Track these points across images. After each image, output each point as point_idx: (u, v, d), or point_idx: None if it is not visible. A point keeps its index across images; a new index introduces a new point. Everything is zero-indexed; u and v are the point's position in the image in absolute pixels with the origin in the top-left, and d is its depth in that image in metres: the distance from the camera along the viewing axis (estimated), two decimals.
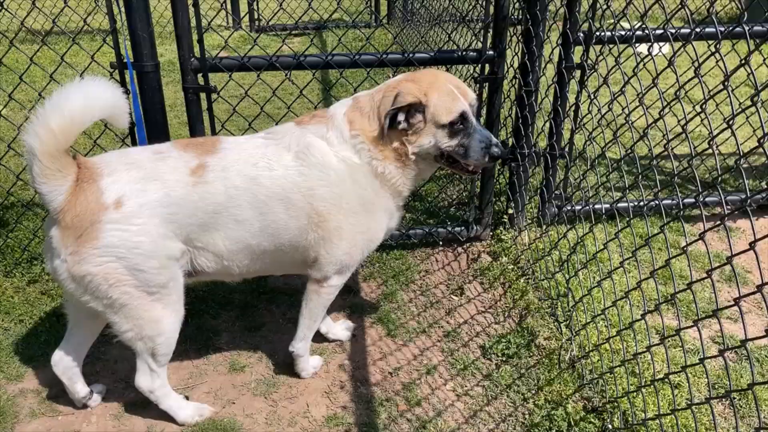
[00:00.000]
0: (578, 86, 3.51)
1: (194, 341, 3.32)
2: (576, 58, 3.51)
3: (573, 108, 3.58)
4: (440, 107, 2.55)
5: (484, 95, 3.67)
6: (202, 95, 3.43)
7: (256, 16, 9.46)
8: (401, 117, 2.55)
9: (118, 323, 2.48)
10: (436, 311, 3.55)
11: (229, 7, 9.35)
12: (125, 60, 3.23)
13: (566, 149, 3.72)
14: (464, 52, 3.48)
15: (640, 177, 2.53)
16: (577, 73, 3.57)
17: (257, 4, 9.36)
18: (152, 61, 3.26)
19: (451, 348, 3.26)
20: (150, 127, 3.35)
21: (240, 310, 3.58)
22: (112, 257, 2.33)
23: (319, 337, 3.30)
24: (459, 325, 3.43)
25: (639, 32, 3.13)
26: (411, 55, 3.42)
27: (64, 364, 2.74)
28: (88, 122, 2.28)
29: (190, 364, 3.20)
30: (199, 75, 3.38)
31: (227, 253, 2.58)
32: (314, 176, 2.55)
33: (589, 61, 3.40)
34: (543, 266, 3.55)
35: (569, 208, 3.73)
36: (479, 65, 3.53)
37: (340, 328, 3.33)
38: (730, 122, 1.90)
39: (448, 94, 2.57)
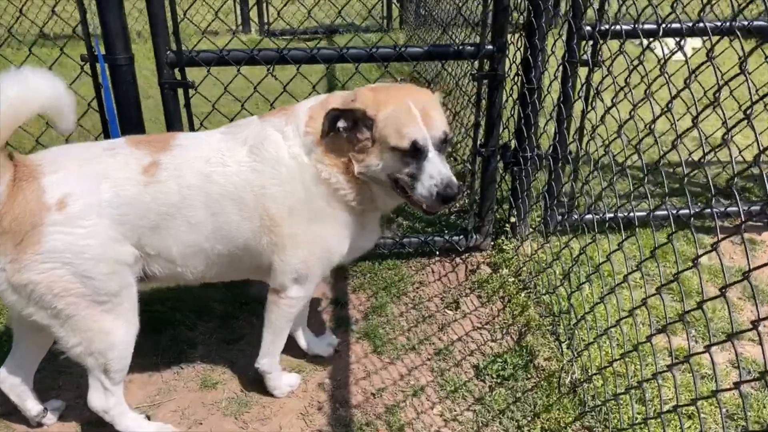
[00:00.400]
0: (585, 84, 3.23)
1: (167, 354, 3.09)
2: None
3: (580, 108, 3.30)
4: (390, 127, 2.23)
5: (484, 94, 3.40)
6: (180, 91, 3.21)
7: (266, 20, 9.30)
8: (341, 123, 2.27)
9: (65, 337, 2.25)
10: (429, 326, 3.27)
11: (238, 10, 9.22)
12: (96, 53, 3.03)
13: (571, 152, 3.44)
14: (461, 47, 3.22)
15: (645, 180, 2.24)
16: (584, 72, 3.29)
17: (267, 7, 9.20)
18: (125, 54, 3.05)
19: (441, 367, 2.98)
20: (124, 123, 3.14)
21: (219, 321, 3.34)
22: (56, 263, 2.11)
23: (298, 352, 3.05)
24: (452, 342, 3.16)
25: (650, 25, 2.85)
26: (403, 49, 3.17)
27: (11, 381, 2.51)
28: (24, 116, 2.06)
29: (160, 378, 2.96)
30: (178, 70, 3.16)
31: (180, 258, 2.36)
32: (266, 173, 2.32)
33: (599, 58, 3.12)
34: (545, 279, 3.26)
35: (574, 216, 3.44)
36: (477, 61, 3.27)
37: (321, 343, 3.08)
38: (748, 111, 1.62)
39: (406, 114, 2.23)
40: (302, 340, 3.04)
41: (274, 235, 2.37)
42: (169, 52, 3.11)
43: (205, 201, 2.29)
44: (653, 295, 2.22)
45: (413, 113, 2.24)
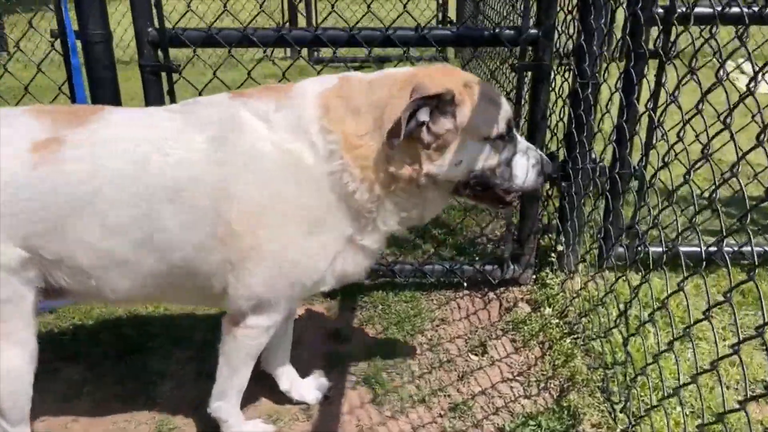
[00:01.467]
0: (655, 81, 2.57)
1: (130, 386, 2.55)
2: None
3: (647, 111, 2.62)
4: (482, 111, 1.78)
5: (525, 89, 2.80)
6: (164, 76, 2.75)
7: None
8: (423, 116, 1.70)
9: None
10: (446, 374, 2.61)
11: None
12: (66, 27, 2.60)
13: (639, 167, 2.76)
14: (497, 29, 2.63)
15: (748, 219, 1.57)
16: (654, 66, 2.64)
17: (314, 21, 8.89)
18: (101, 30, 2.62)
19: (456, 428, 2.31)
20: None
21: (197, 349, 2.78)
22: None
23: (278, 396, 2.44)
24: (473, 395, 2.48)
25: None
26: (426, 31, 2.61)
27: None
28: None
29: (109, 420, 2.40)
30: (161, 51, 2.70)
31: (93, 270, 1.79)
32: (233, 168, 1.75)
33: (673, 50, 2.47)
34: (596, 321, 2.56)
35: (641, 248, 2.72)
36: (518, 48, 2.67)
37: (308, 387, 2.46)
38: None
39: (492, 96, 1.84)
40: (284, 381, 2.43)
41: (229, 249, 1.79)
42: (150, 29, 2.65)
43: (131, 198, 1.72)
44: (747, 340, 1.52)
45: (497, 96, 1.87)
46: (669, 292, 1.91)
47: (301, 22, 8.97)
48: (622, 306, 2.35)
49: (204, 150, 1.76)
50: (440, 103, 1.72)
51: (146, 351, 2.75)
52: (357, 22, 2.72)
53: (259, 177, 1.75)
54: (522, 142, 1.94)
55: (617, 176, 2.58)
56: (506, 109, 1.85)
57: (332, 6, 2.75)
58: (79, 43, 2.65)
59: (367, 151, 1.76)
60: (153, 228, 1.75)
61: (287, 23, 8.66)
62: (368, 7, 2.75)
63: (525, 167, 1.90)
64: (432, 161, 1.77)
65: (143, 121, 1.82)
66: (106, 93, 2.69)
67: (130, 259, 1.78)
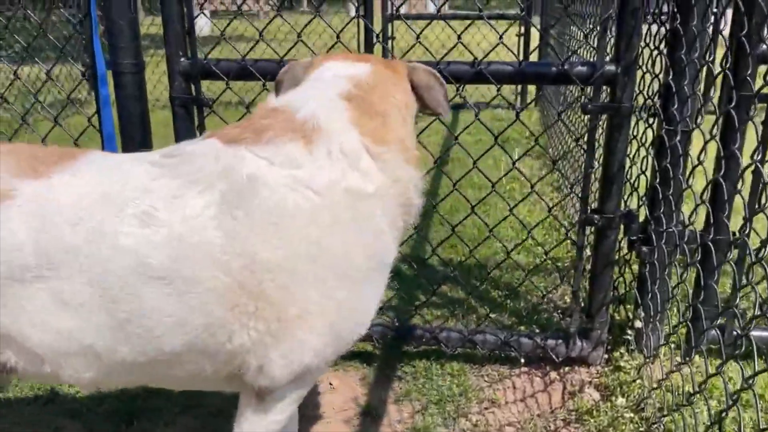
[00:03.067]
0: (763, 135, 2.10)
1: None
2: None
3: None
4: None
5: (599, 134, 2.38)
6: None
7: None
8: None
9: None
10: None
11: None
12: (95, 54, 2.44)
13: (741, 234, 2.26)
14: (566, 66, 2.25)
15: None
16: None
17: None
18: (132, 60, 2.44)
19: None
20: (126, 146, 2.50)
21: (205, 418, 2.46)
22: None
23: None
24: None
25: None
26: (484, 66, 2.26)
27: None
28: None
29: None
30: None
31: (47, 353, 1.44)
32: (257, 231, 1.42)
33: None
34: (681, 421, 2.05)
35: (743, 332, 2.19)
36: (591, 86, 2.27)
37: None
38: None
39: None
40: None
41: (264, 322, 1.44)
42: (182, 59, 2.45)
43: (97, 277, 1.38)
44: None
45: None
46: None
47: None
48: (714, 407, 1.85)
49: (211, 218, 1.41)
50: None
51: (150, 415, 2.45)
52: (404, 54, 2.42)
53: (303, 232, 1.45)
54: None
55: (711, 244, 2.09)
56: None
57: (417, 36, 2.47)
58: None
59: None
60: (130, 313, 1.40)
61: None
62: (459, 39, 2.44)
63: None
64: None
65: (123, 176, 1.47)
66: (136, 127, 2.50)
67: (94, 345, 1.43)
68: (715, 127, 1.95)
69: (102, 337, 1.42)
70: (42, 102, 3.08)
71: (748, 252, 2.01)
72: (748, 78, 1.91)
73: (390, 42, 7.27)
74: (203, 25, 9.23)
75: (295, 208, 1.43)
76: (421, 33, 2.49)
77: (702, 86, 2.31)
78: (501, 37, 2.37)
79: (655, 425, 2.20)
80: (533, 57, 7.21)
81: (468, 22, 2.48)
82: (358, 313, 1.57)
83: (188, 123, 2.54)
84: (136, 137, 2.51)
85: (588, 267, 2.63)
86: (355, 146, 1.52)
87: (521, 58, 7.07)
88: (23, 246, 1.36)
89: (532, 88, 7.86)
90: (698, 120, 2.19)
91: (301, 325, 1.46)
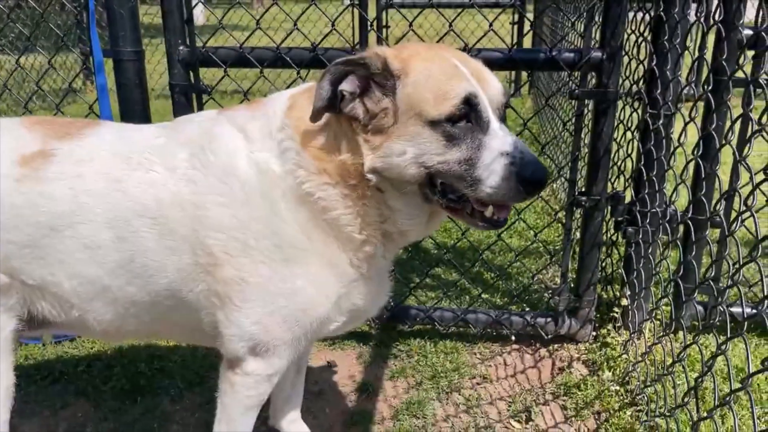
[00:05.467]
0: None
1: (131, 428, 2.34)
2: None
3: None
4: (427, 86, 1.43)
5: (587, 120, 2.47)
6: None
7: None
8: (348, 86, 1.45)
9: None
10: None
11: None
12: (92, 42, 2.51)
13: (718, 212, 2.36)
14: (555, 52, 2.33)
15: None
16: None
17: None
18: (132, 47, 2.50)
19: None
20: None
21: (210, 393, 2.53)
22: None
23: None
24: None
25: None
26: (475, 53, 2.34)
27: None
28: None
29: None
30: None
31: (76, 297, 1.62)
32: (208, 187, 1.55)
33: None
34: (664, 392, 2.15)
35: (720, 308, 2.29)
36: (578, 72, 2.36)
37: None
38: None
39: (446, 66, 1.45)
40: None
41: (213, 279, 1.56)
42: (181, 47, 2.52)
43: (110, 217, 1.56)
44: None
45: (455, 65, 1.46)
46: (753, 366, 1.52)
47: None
48: (692, 378, 1.95)
49: (183, 168, 1.58)
50: (375, 75, 1.44)
51: (158, 391, 2.55)
52: (398, 40, 2.49)
53: (233, 195, 1.53)
54: (502, 136, 1.44)
55: (691, 222, 2.18)
56: (463, 84, 1.43)
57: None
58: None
59: (320, 141, 1.52)
60: (133, 251, 1.57)
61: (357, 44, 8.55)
62: (450, 26, 2.51)
63: (498, 167, 1.40)
64: (373, 150, 1.47)
65: (131, 138, 1.66)
66: (136, 114, 2.57)
67: (110, 285, 1.60)
68: (694, 109, 2.03)
69: (114, 277, 1.60)
70: (43, 90, 3.14)
71: (723, 229, 2.09)
72: (724, 63, 1.98)
73: (384, 30, 7.33)
74: (198, 15, 9.23)
75: (234, 167, 1.55)
76: (414, 20, 2.56)
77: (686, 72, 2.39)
78: (491, 25, 2.45)
79: (639, 396, 2.30)
80: (526, 45, 7.27)
81: (460, 10, 2.54)
82: (294, 293, 1.57)
83: (188, 110, 2.60)
84: (137, 123, 2.58)
85: (576, 248, 2.72)
86: (275, 121, 1.57)
87: (515, 46, 7.15)
88: (62, 200, 1.55)
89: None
90: (678, 105, 2.27)
91: (238, 290, 1.56)
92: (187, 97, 2.60)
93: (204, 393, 2.55)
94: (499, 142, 1.42)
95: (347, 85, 1.44)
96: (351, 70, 1.44)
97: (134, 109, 2.57)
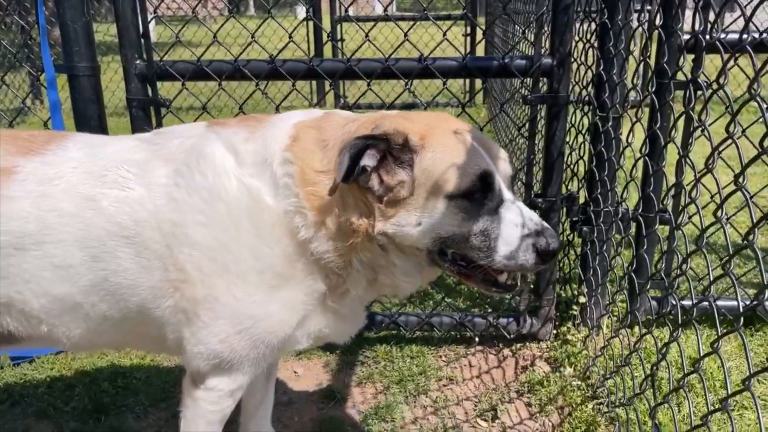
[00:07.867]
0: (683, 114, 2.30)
1: None
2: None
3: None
4: (445, 162, 1.48)
5: (540, 125, 2.55)
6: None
7: (342, 93, 8.94)
8: (369, 160, 1.47)
9: None
10: None
11: (314, 86, 8.92)
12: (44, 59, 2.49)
13: (670, 211, 2.47)
14: (507, 59, 2.41)
15: None
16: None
17: (343, 83, 8.84)
18: (88, 63, 2.49)
19: None
20: None
21: (175, 409, 2.50)
22: None
23: None
24: None
25: None
26: (430, 62, 2.41)
27: None
28: None
29: None
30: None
31: (44, 314, 1.60)
32: (190, 206, 1.54)
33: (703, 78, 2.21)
34: (623, 384, 2.23)
35: (671, 301, 2.39)
36: (530, 79, 2.44)
37: None
38: None
39: (463, 144, 1.51)
40: None
41: (181, 296, 1.56)
42: (138, 61, 2.51)
43: (82, 237, 1.54)
44: None
45: (468, 141, 1.52)
46: (703, 352, 1.60)
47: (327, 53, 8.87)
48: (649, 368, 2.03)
49: (163, 184, 1.56)
50: (393, 149, 1.48)
51: (122, 409, 2.51)
52: (353, 53, 2.54)
53: (216, 218, 1.53)
54: (517, 210, 1.50)
55: (641, 218, 2.28)
56: (480, 160, 1.49)
57: (328, 36, 2.58)
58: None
59: (324, 190, 1.51)
60: (107, 271, 1.55)
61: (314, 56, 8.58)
62: (405, 36, 2.57)
63: (514, 239, 1.46)
64: (386, 218, 1.50)
65: (107, 151, 1.62)
66: (92, 131, 2.53)
67: (81, 303, 1.59)
68: (639, 110, 2.13)
69: (85, 295, 1.58)
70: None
71: (671, 223, 2.18)
72: (665, 65, 2.08)
73: (340, 43, 7.40)
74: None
75: (222, 188, 1.54)
76: (368, 33, 2.62)
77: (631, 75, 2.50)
78: (445, 34, 2.52)
79: (600, 389, 2.37)
80: (479, 55, 7.43)
81: (413, 23, 2.62)
82: (263, 316, 1.57)
83: (146, 125, 2.60)
84: None
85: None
86: (276, 152, 1.56)
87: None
88: (26, 218, 1.51)
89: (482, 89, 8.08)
90: (626, 105, 2.37)
91: (207, 308, 1.56)
92: (145, 111, 2.59)
93: (169, 409, 2.53)
94: (513, 215, 1.48)
95: (368, 160, 1.47)
96: (372, 144, 1.46)
97: (91, 125, 2.55)
